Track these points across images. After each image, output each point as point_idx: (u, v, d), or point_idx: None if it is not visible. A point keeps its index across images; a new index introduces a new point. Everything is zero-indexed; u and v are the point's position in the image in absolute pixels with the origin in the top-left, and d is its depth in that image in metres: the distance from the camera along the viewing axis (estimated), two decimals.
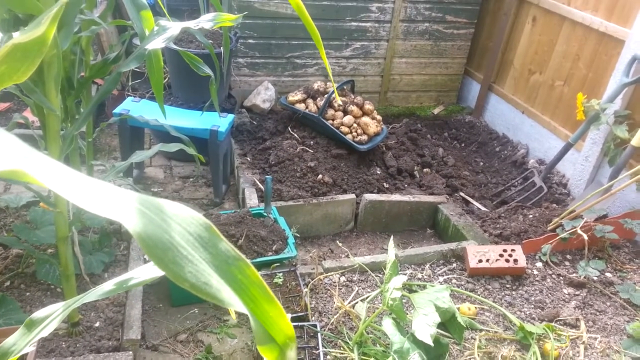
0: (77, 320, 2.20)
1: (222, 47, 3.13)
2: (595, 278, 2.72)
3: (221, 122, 3.22)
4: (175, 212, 0.56)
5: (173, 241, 0.54)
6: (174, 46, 2.50)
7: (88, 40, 2.48)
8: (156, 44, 1.74)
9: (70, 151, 2.45)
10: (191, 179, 3.59)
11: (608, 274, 2.80)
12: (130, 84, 4.24)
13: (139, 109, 3.19)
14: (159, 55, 1.84)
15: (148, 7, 1.76)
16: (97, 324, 2.27)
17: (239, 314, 2.39)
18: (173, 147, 2.39)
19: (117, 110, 3.19)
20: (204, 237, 0.57)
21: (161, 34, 1.77)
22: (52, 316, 1.03)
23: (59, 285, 2.39)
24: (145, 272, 1.06)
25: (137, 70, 4.20)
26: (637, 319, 2.40)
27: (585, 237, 2.74)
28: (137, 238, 0.52)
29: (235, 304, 0.54)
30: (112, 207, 0.52)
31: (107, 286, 1.05)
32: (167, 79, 4.03)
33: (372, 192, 3.45)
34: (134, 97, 3.54)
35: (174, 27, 1.78)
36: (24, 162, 0.54)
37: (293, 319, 2.21)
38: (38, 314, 1.03)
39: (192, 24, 1.84)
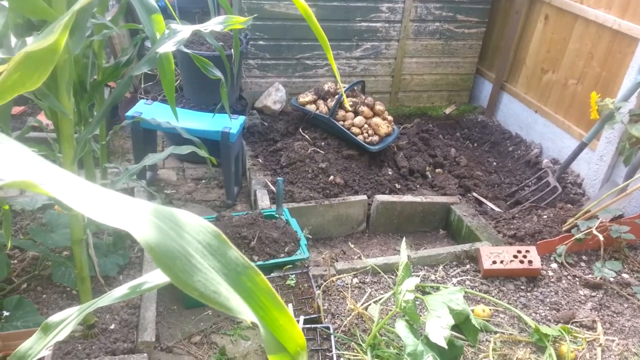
0: (92, 322, 2.22)
1: (232, 49, 3.14)
2: (611, 279, 2.68)
3: (232, 124, 3.23)
4: (185, 221, 0.56)
5: (182, 250, 0.54)
6: (185, 49, 2.51)
7: (100, 44, 2.50)
8: (167, 47, 1.74)
9: (84, 154, 2.48)
10: (203, 181, 3.60)
11: (625, 275, 2.76)
12: (142, 86, 4.27)
13: (152, 111, 3.21)
14: (170, 59, 1.85)
15: (159, 10, 1.77)
16: (112, 326, 2.28)
17: None
18: (185, 150, 2.40)
19: (129, 112, 3.21)
20: (213, 246, 0.56)
21: (172, 37, 1.78)
22: (67, 320, 1.04)
23: (74, 288, 2.41)
24: (158, 276, 1.06)
25: (149, 72, 4.22)
26: None
27: (601, 237, 2.71)
28: (145, 246, 0.51)
29: (244, 312, 0.54)
30: (121, 216, 0.52)
31: (121, 290, 1.06)
32: (178, 82, 4.05)
33: (383, 192, 3.44)
34: (147, 99, 3.56)
35: (185, 30, 1.78)
36: (34, 172, 0.54)
37: (306, 321, 2.21)
38: (54, 318, 1.03)
39: (202, 27, 1.84)
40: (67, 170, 1.87)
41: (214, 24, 1.83)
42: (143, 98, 3.88)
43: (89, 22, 2.00)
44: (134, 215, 0.53)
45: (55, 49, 0.93)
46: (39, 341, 1.01)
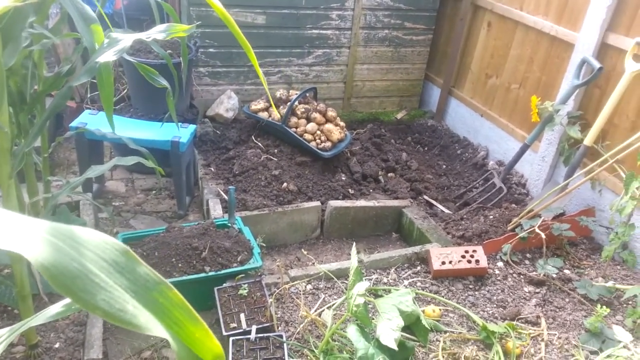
0: (35, 342, 2.13)
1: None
2: (554, 275, 2.80)
3: (182, 132, 3.19)
4: (87, 239, 0.55)
5: (83, 269, 0.53)
6: (128, 57, 2.46)
7: (40, 54, 2.42)
8: (107, 57, 1.71)
9: (25, 167, 2.39)
10: (154, 192, 3.53)
11: (566, 271, 2.88)
12: (89, 96, 4.16)
13: (97, 121, 3.13)
14: (109, 69, 1.82)
15: (97, 20, 1.74)
16: (57, 345, 2.20)
17: None
18: (130, 160, 2.35)
19: (73, 123, 3.12)
20: (120, 263, 0.56)
21: (113, 46, 1.75)
22: None
23: (16, 307, 2.31)
24: None
25: (96, 82, 4.11)
26: (594, 314, 2.48)
27: (543, 235, 2.82)
28: (38, 268, 0.50)
29: (154, 328, 0.53)
30: (13, 238, 0.50)
31: (56, 308, 1.03)
32: (126, 90, 3.97)
33: (337, 198, 3.47)
34: (92, 109, 3.46)
35: (126, 39, 1.76)
36: None
37: (258, 330, 2.20)
38: None
39: (144, 36, 1.82)
40: (3, 185, 1.79)
41: (157, 32, 1.81)
42: (89, 108, 3.78)
43: (25, 32, 1.94)
44: (27, 235, 0.51)
45: None
46: None
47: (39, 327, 2.21)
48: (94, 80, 4.06)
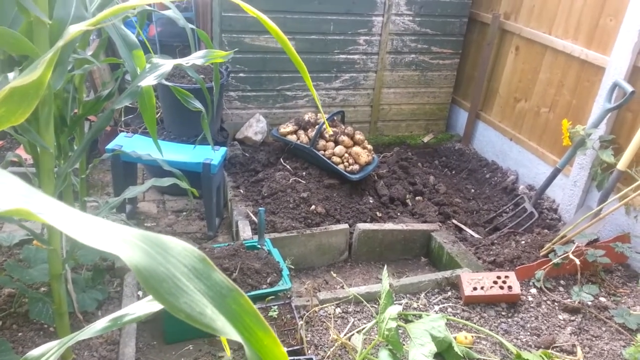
0: (71, 359, 2.17)
1: (213, 82, 3.18)
2: (589, 303, 2.72)
3: (214, 155, 3.25)
4: (171, 245, 0.58)
5: (169, 273, 0.56)
6: (166, 82, 2.54)
7: (81, 78, 2.52)
8: (148, 81, 1.77)
9: (64, 188, 2.46)
10: (184, 213, 3.59)
11: (602, 299, 2.80)
12: (122, 119, 4.28)
13: (132, 144, 3.21)
14: (151, 92, 1.88)
15: (139, 46, 1.81)
16: None
17: (234, 350, 2.36)
18: (166, 182, 2.40)
19: (110, 146, 3.21)
20: (198, 269, 0.59)
21: (153, 71, 1.81)
22: (47, 355, 1.03)
23: (52, 325, 2.35)
24: (139, 308, 1.06)
25: (130, 106, 4.23)
26: (633, 344, 2.40)
27: (578, 261, 2.76)
28: (134, 270, 0.53)
29: (229, 332, 0.56)
30: (110, 241, 0.54)
31: (102, 323, 1.05)
32: (159, 114, 4.07)
33: (365, 221, 3.47)
34: (127, 132, 3.56)
35: (166, 65, 1.82)
36: (27, 201, 0.56)
37: (289, 353, 2.19)
38: (33, 352, 1.02)
39: (184, 61, 1.88)
40: None
41: (196, 58, 1.87)
42: (123, 131, 3.88)
43: (70, 57, 2.02)
44: (122, 239, 0.55)
45: (40, 84, 0.95)
46: None
47: (74, 345, 2.24)
48: (128, 105, 4.19)
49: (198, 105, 2.32)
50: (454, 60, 4.72)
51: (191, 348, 2.42)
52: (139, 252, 0.55)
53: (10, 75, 1.73)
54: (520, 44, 4.13)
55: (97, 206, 2.87)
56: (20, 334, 2.34)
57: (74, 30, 1.03)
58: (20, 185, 0.57)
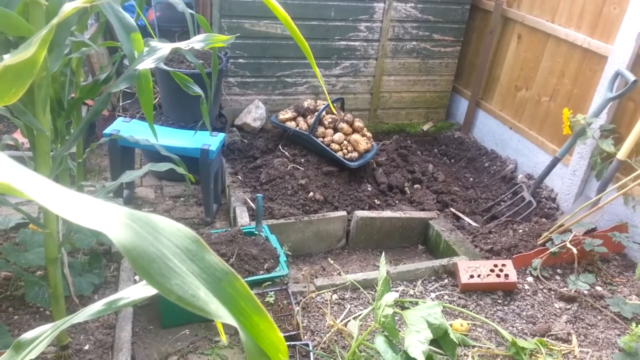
0: (66, 343, 2.17)
1: (211, 67, 3.16)
2: (585, 292, 2.73)
3: (212, 141, 3.23)
4: (163, 226, 0.57)
5: (159, 253, 0.54)
6: (164, 66, 2.51)
7: (78, 62, 2.50)
8: (146, 65, 1.75)
9: (60, 172, 2.45)
10: (182, 199, 3.58)
11: (598, 288, 2.81)
12: (120, 104, 4.25)
13: (130, 129, 3.20)
14: (148, 76, 1.86)
15: (137, 29, 1.78)
16: (86, 347, 2.24)
17: (230, 335, 2.37)
18: (163, 167, 2.39)
19: (107, 130, 3.19)
20: (191, 250, 0.57)
21: (151, 54, 1.79)
22: (40, 338, 1.03)
23: (48, 308, 2.36)
24: (135, 292, 1.06)
25: (128, 90, 4.21)
26: (628, 332, 2.41)
27: (575, 251, 2.76)
28: (122, 249, 0.52)
29: (224, 316, 0.55)
30: (98, 219, 0.52)
31: (97, 306, 1.05)
32: (157, 99, 4.05)
33: (363, 208, 3.46)
34: (125, 117, 3.54)
35: (164, 48, 1.79)
36: (10, 175, 0.55)
37: (285, 339, 2.20)
38: (26, 335, 1.02)
39: (183, 45, 1.85)
40: None
41: (195, 42, 1.85)
42: (121, 116, 3.86)
43: (67, 40, 2.00)
44: (110, 217, 0.53)
45: (34, 62, 0.94)
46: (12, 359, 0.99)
47: (70, 328, 2.25)
48: (127, 90, 4.15)
49: (197, 90, 2.30)
50: (456, 48, 4.68)
51: (187, 332, 2.42)
52: (128, 230, 0.53)
53: (6, 57, 1.71)
54: (522, 32, 4.10)
55: (95, 191, 2.86)
56: (16, 317, 2.34)
57: (68, 7, 1.01)
58: (6, 161, 0.55)
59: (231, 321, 0.56)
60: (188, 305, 0.53)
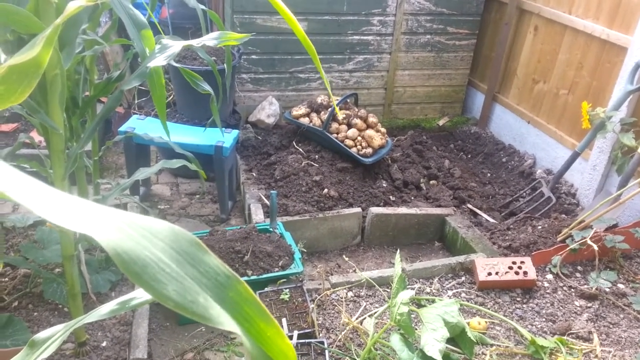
0: (84, 340, 2.19)
1: (225, 64, 3.15)
2: (607, 289, 2.67)
3: (225, 138, 3.23)
4: (158, 228, 0.54)
5: (154, 257, 0.51)
6: (175, 64, 2.51)
7: (92, 60, 2.51)
8: (158, 62, 1.74)
9: (76, 170, 2.47)
10: (197, 196, 3.59)
11: (620, 285, 2.75)
12: (136, 102, 4.27)
13: (145, 126, 3.20)
14: (160, 73, 1.85)
15: (148, 26, 1.77)
16: (104, 344, 2.25)
17: None
18: (176, 164, 2.39)
19: (122, 128, 3.20)
20: (190, 253, 0.54)
21: (163, 52, 1.78)
22: (54, 337, 1.02)
23: (66, 305, 2.38)
24: None
25: (143, 88, 4.23)
26: None
27: (596, 247, 2.70)
28: (111, 253, 0.49)
29: (225, 322, 0.52)
30: (86, 222, 0.50)
31: (110, 306, 1.04)
32: (172, 97, 4.06)
33: (378, 205, 3.43)
34: (140, 115, 3.56)
35: (175, 45, 1.79)
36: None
37: (300, 336, 2.19)
38: (41, 334, 1.02)
39: (195, 42, 1.84)
40: (57, 185, 1.86)
41: (208, 39, 1.84)
42: (136, 113, 3.88)
43: (79, 38, 2.00)
44: (102, 221, 0.51)
45: (40, 62, 0.93)
46: (26, 358, 0.99)
47: (88, 325, 2.26)
48: (142, 87, 4.17)
49: (207, 87, 2.29)
50: (471, 40, 4.61)
51: (204, 329, 2.42)
52: (119, 234, 0.50)
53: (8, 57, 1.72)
54: (539, 24, 4.02)
55: (111, 188, 2.88)
56: (35, 313, 2.37)
57: (73, 6, 1.00)
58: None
59: (234, 328, 0.52)
60: (186, 311, 0.50)
